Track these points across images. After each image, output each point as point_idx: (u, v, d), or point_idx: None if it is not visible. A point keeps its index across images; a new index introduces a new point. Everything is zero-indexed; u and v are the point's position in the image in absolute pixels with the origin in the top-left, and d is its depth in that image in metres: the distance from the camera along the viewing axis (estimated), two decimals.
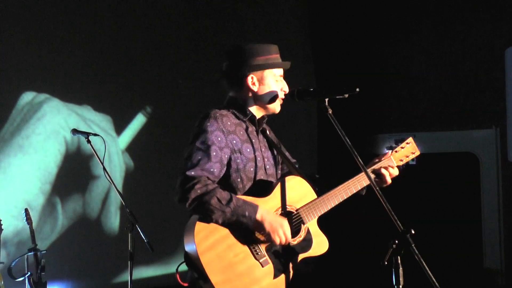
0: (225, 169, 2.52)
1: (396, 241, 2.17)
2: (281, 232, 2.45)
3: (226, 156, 2.52)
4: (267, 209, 2.49)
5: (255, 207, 2.44)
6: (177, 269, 2.50)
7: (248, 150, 2.60)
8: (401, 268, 2.16)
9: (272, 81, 2.65)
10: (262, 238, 2.47)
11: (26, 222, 4.90)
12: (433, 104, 6.98)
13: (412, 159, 2.98)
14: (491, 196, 6.71)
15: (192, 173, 2.41)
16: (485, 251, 6.66)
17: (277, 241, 2.47)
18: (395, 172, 2.82)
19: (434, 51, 7.01)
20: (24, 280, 4.71)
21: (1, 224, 4.71)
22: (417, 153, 2.97)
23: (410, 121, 7.06)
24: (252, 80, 2.64)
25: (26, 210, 4.96)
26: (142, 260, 5.57)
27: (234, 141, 2.57)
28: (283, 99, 2.70)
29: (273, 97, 2.66)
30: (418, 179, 6.47)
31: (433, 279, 2.13)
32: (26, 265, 4.79)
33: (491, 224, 6.68)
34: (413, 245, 2.15)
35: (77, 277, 5.75)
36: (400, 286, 2.16)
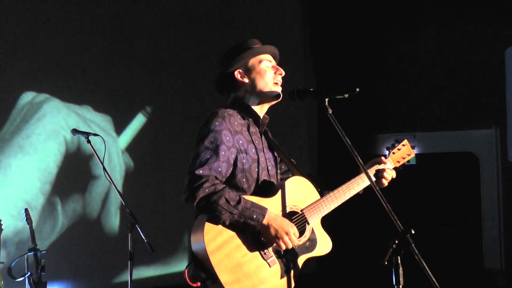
0: (231, 168, 2.52)
1: (396, 241, 2.17)
2: (287, 239, 2.47)
3: (233, 155, 2.53)
4: (275, 212, 2.50)
5: (263, 210, 2.44)
6: (186, 269, 2.48)
7: (253, 150, 2.61)
8: (401, 268, 2.16)
9: (261, 67, 2.68)
10: (268, 241, 2.48)
11: (26, 222, 4.90)
12: (433, 104, 6.98)
13: (408, 161, 2.99)
14: (491, 196, 6.71)
15: (201, 171, 2.41)
16: (485, 251, 6.66)
17: (283, 247, 2.48)
18: (393, 174, 2.85)
19: (434, 51, 7.01)
20: (24, 280, 4.70)
21: (1, 224, 4.71)
22: (412, 154, 3.00)
23: (410, 121, 7.06)
24: (240, 74, 2.68)
25: (26, 210, 4.96)
26: (142, 260, 5.57)
27: (241, 141, 2.57)
28: (281, 82, 2.70)
29: (267, 82, 2.66)
30: (418, 179, 6.47)
31: (433, 279, 2.13)
32: (26, 265, 4.78)
33: (491, 224, 6.68)
34: (413, 245, 2.15)
35: (77, 277, 5.75)
36: (400, 286, 2.16)
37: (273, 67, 2.71)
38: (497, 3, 6.70)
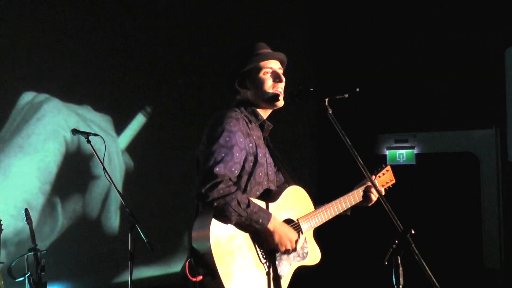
0: (240, 169, 2.56)
1: (396, 241, 2.17)
2: (289, 245, 2.54)
3: (243, 157, 2.56)
4: (280, 220, 2.55)
5: (269, 216, 2.50)
6: (187, 262, 2.46)
7: (260, 154, 2.65)
8: (401, 268, 2.16)
9: (259, 76, 2.66)
10: (268, 244, 2.53)
11: (26, 222, 4.89)
12: (433, 104, 6.98)
13: (390, 186, 3.05)
14: (491, 196, 6.71)
15: (217, 169, 2.42)
16: (485, 251, 6.66)
17: (283, 251, 2.54)
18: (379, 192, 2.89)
19: (434, 51, 7.01)
20: (24, 280, 4.70)
21: (1, 224, 4.71)
22: (393, 181, 3.07)
23: (410, 121, 7.06)
24: (240, 84, 2.68)
25: (26, 210, 4.95)
26: (142, 260, 5.57)
27: (251, 144, 2.61)
28: (280, 91, 2.68)
29: (265, 91, 2.66)
30: (418, 179, 6.47)
31: (433, 279, 2.13)
32: (26, 265, 4.78)
33: (491, 224, 6.68)
34: (413, 245, 2.15)
35: (77, 277, 5.75)
36: (400, 286, 2.16)
37: (272, 73, 2.67)
38: (497, 3, 6.70)
